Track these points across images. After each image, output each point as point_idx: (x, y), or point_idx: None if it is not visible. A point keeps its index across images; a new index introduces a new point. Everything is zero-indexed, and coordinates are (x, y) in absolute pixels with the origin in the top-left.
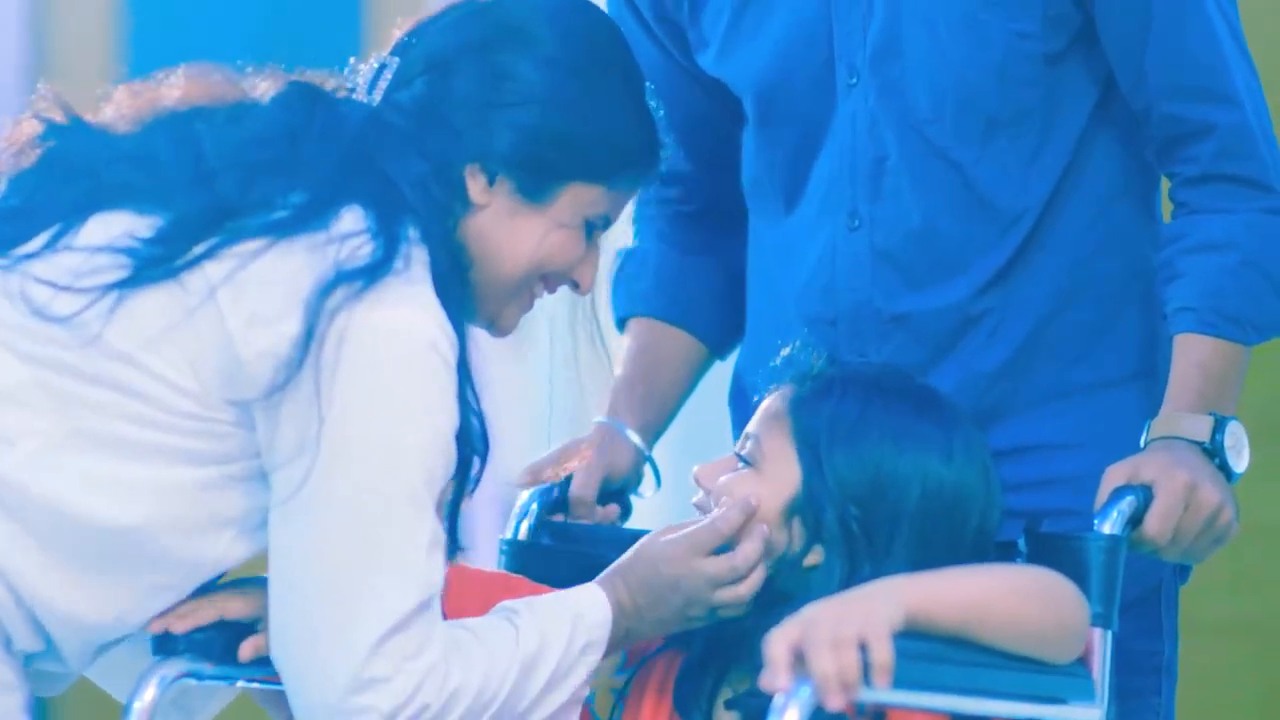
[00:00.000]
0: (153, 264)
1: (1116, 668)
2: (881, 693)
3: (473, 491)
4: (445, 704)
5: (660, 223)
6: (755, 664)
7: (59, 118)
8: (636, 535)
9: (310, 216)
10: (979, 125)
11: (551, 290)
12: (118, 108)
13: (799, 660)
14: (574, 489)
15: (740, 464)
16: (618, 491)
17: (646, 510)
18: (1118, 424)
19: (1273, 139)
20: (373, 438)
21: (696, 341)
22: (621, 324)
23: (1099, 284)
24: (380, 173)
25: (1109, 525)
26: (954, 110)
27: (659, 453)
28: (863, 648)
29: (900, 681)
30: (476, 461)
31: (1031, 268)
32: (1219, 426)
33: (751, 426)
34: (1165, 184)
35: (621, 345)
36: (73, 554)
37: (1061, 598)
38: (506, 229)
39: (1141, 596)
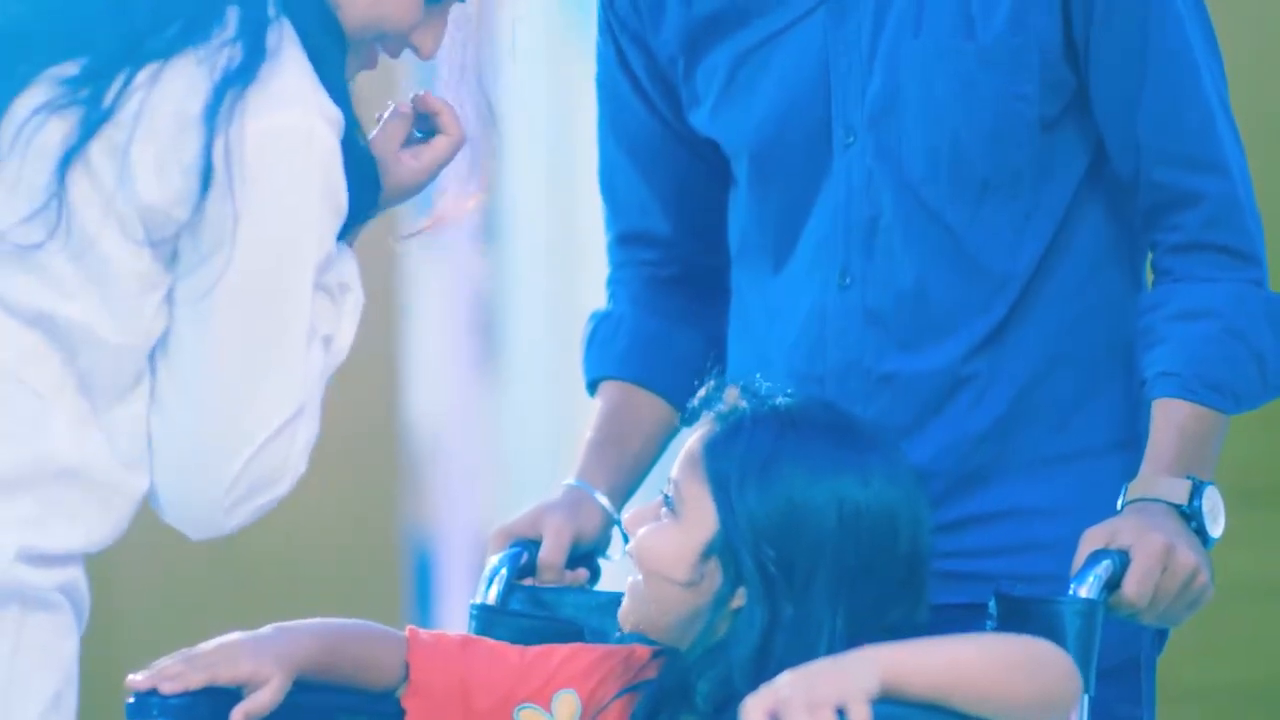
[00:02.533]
0: (89, 108)
1: None
2: None
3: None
4: None
5: (635, 286)
6: (699, 712)
7: None
8: (605, 598)
9: (193, 29)
10: (972, 187)
11: (393, 54)
12: None
13: None
14: (543, 553)
15: (665, 509)
16: (586, 555)
17: (615, 573)
18: (1100, 492)
19: (1257, 211)
20: (269, 240)
21: (668, 406)
22: (593, 386)
23: (1085, 351)
24: None
25: (1086, 589)
26: (948, 171)
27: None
28: (840, 712)
29: None
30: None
31: (1019, 333)
32: (1197, 490)
33: (673, 470)
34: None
35: (592, 408)
36: None
37: (1049, 669)
38: None
39: (1122, 664)
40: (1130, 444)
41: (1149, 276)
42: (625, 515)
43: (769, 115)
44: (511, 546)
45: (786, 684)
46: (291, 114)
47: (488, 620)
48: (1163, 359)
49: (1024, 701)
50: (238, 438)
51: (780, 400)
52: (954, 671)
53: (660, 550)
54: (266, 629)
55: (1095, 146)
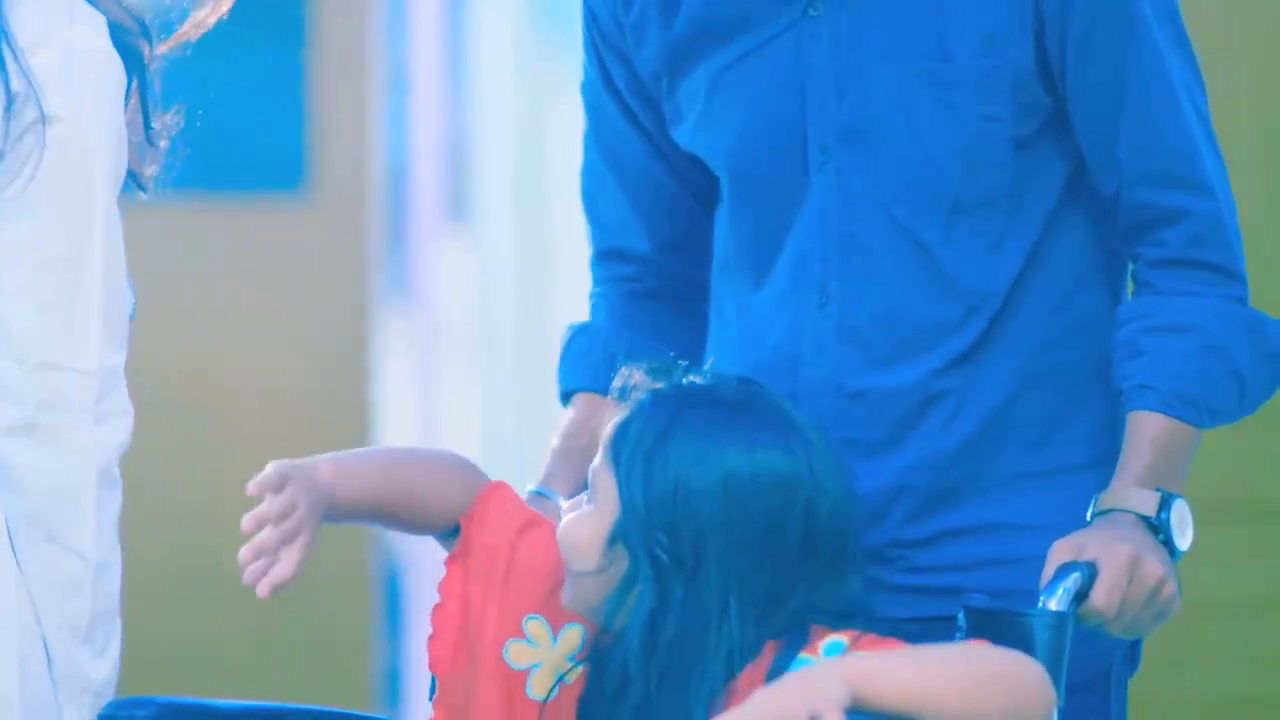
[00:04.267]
0: None
1: None
2: None
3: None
4: None
5: (614, 300)
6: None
7: None
8: None
9: None
10: (945, 207)
11: None
12: None
13: None
14: None
15: (586, 497)
16: None
17: None
18: (1077, 507)
19: (1238, 229)
20: (74, 149)
21: None
22: (566, 398)
23: (1062, 369)
24: None
25: (1055, 602)
26: (920, 192)
27: None
28: None
29: None
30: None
31: (995, 350)
32: (1165, 503)
33: (595, 457)
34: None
35: (563, 418)
36: None
37: (1021, 682)
38: None
39: (1093, 679)
40: (1109, 460)
41: (1130, 289)
42: (564, 505)
43: (745, 134)
44: None
45: (755, 703)
46: (78, 33)
47: None
48: (1141, 372)
49: (995, 714)
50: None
51: (689, 380)
52: (923, 683)
53: (574, 538)
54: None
55: (1074, 162)
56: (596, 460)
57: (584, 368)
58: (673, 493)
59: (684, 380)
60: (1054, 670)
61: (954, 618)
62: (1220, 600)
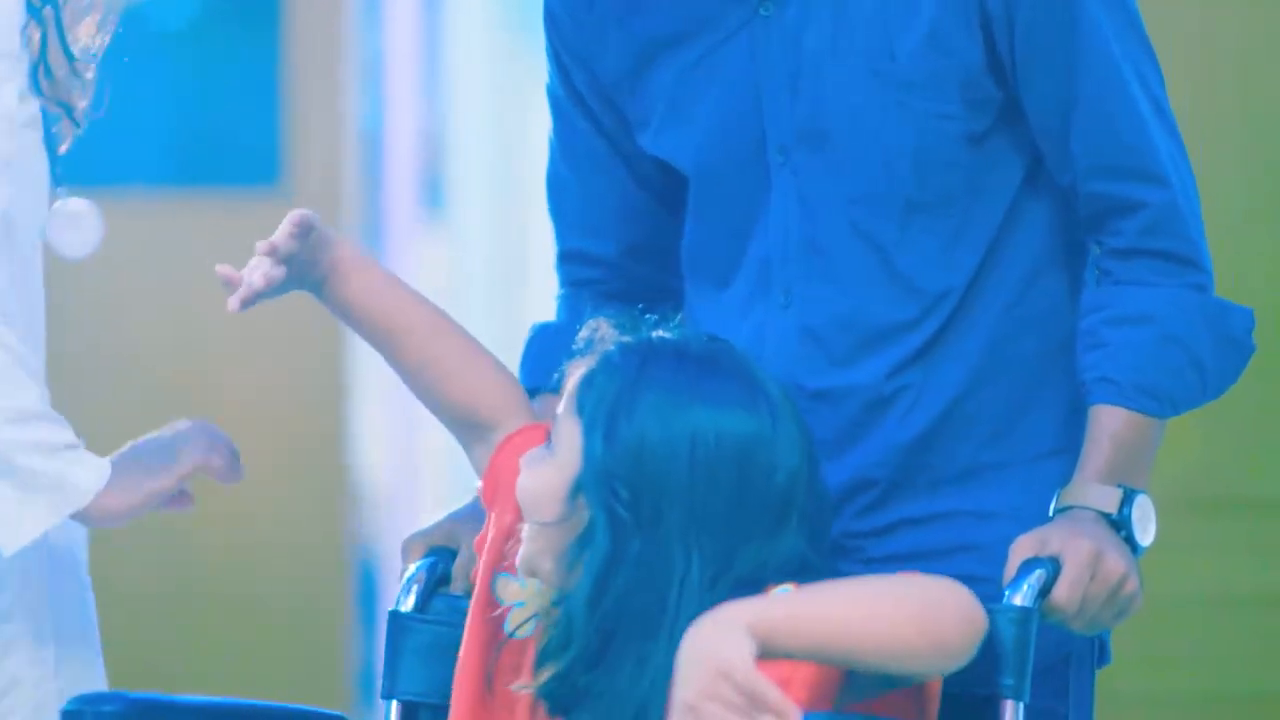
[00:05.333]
0: None
1: None
2: None
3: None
4: None
5: (578, 301)
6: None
7: None
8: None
9: None
10: (898, 207)
11: None
12: None
13: None
14: (459, 563)
15: (545, 451)
16: None
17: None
18: (1036, 496)
19: (1199, 216)
20: None
21: None
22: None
23: (1020, 361)
24: None
25: (1020, 597)
26: (875, 192)
27: None
28: None
29: None
30: None
31: (952, 345)
32: (1127, 499)
33: (558, 408)
34: None
35: None
36: None
37: (944, 614)
38: None
39: (1050, 666)
40: (1069, 450)
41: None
42: (521, 457)
43: (707, 136)
44: (427, 555)
45: (682, 699)
46: None
47: (405, 627)
48: (1100, 364)
49: (916, 651)
50: None
51: (657, 334)
52: (831, 623)
53: (534, 489)
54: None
55: (1032, 153)
56: (560, 409)
57: (546, 368)
58: (637, 447)
59: (652, 335)
60: (1021, 666)
61: None
62: (1199, 593)
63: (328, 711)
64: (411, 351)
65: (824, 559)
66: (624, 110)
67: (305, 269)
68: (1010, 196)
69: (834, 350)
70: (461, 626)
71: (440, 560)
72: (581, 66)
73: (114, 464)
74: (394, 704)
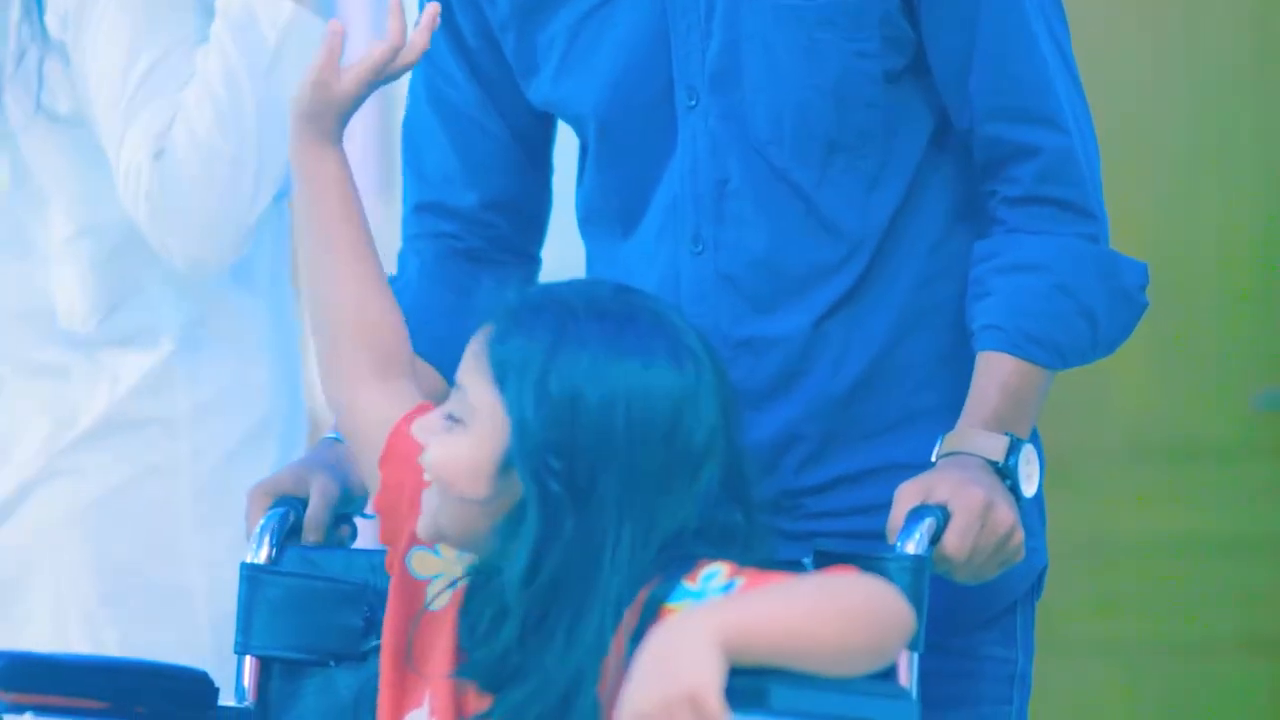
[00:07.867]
0: None
1: (969, 677)
2: None
3: None
4: None
5: (426, 256)
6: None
7: None
8: (377, 557)
9: None
10: (819, 148)
11: None
12: None
13: None
14: (310, 513)
15: (449, 422)
16: (345, 513)
17: (369, 531)
18: None
19: (1096, 166)
20: None
21: (442, 380)
22: None
23: (942, 310)
24: None
25: (913, 545)
26: (793, 132)
27: None
28: None
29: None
30: None
31: (876, 290)
32: (1014, 448)
33: (460, 375)
34: None
35: None
36: None
37: (886, 616)
38: None
39: (1001, 613)
40: None
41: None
42: (413, 426)
43: (610, 80)
44: (276, 505)
45: (638, 706)
46: None
47: (258, 580)
48: (988, 311)
49: (859, 655)
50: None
51: (562, 287)
52: (791, 637)
53: (455, 464)
54: None
55: (942, 108)
56: (468, 379)
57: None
58: (571, 410)
59: (555, 287)
60: (915, 614)
61: (793, 561)
62: (1150, 541)
63: (190, 667)
64: (343, 247)
65: (755, 522)
66: (510, 56)
67: (331, 103)
68: (923, 145)
69: (755, 296)
70: (314, 579)
71: (291, 509)
72: (470, 8)
73: None
74: (248, 659)
